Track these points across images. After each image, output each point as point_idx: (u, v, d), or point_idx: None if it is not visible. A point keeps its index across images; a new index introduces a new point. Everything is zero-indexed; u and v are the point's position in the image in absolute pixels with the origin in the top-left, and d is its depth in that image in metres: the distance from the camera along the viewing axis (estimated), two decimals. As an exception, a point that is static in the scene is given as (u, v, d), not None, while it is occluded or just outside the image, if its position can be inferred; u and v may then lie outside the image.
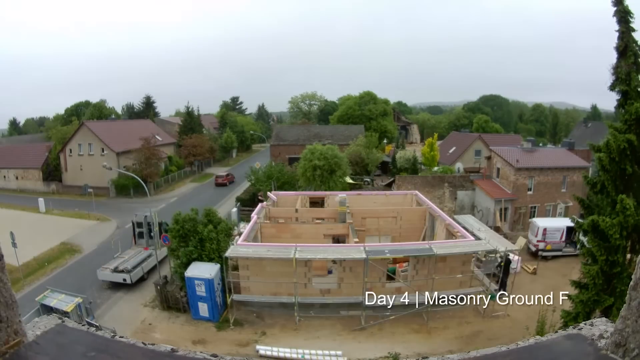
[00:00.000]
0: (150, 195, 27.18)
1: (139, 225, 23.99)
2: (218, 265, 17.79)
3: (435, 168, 40.94)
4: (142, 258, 22.50)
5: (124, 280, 20.82)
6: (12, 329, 1.81)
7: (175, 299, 18.81)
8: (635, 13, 11.78)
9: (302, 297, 17.59)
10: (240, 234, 20.32)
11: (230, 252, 17.34)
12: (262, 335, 16.80)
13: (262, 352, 15.92)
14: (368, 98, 61.10)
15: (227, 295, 17.60)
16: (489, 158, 34.37)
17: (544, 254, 24.31)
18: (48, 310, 15.54)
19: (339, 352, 15.33)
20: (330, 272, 20.23)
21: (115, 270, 21.10)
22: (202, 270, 17.69)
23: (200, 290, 17.65)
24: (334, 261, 18.04)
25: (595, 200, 13.36)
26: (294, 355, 15.56)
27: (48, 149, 47.59)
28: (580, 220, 13.20)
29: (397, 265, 19.64)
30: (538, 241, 24.44)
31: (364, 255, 16.69)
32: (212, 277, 17.39)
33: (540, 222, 25.18)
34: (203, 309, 17.95)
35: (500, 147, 34.09)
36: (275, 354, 15.67)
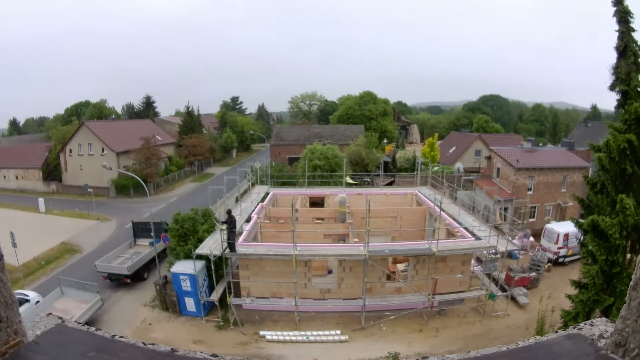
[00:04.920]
0: (150, 195, 27.13)
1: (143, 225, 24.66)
2: (203, 262, 17.99)
3: (436, 168, 40.94)
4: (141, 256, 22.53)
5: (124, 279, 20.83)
6: (12, 329, 1.80)
7: (171, 299, 18.83)
8: (635, 13, 11.79)
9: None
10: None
11: (230, 252, 17.30)
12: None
13: (268, 337, 16.41)
14: (368, 98, 61.09)
15: (228, 295, 17.61)
16: (489, 158, 34.37)
17: (567, 259, 23.37)
18: None
19: (339, 332, 16.58)
20: (330, 272, 20.22)
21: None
22: (187, 267, 17.98)
23: (186, 286, 18.00)
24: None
25: (595, 200, 13.35)
26: (299, 338, 16.09)
27: (48, 149, 47.55)
28: (580, 220, 13.21)
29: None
30: (559, 248, 23.39)
31: (363, 254, 16.68)
32: (195, 273, 17.66)
33: (558, 227, 24.04)
34: (190, 304, 18.33)
35: (500, 147, 34.07)
36: (281, 338, 16.23)
